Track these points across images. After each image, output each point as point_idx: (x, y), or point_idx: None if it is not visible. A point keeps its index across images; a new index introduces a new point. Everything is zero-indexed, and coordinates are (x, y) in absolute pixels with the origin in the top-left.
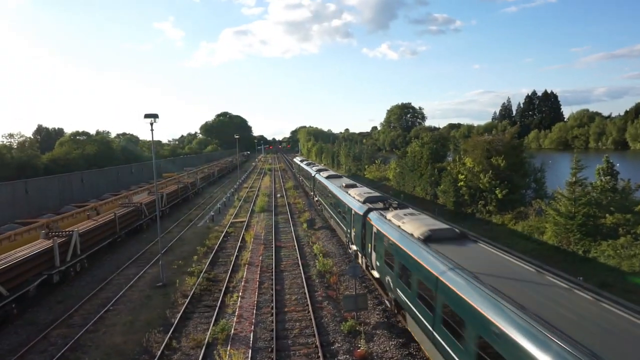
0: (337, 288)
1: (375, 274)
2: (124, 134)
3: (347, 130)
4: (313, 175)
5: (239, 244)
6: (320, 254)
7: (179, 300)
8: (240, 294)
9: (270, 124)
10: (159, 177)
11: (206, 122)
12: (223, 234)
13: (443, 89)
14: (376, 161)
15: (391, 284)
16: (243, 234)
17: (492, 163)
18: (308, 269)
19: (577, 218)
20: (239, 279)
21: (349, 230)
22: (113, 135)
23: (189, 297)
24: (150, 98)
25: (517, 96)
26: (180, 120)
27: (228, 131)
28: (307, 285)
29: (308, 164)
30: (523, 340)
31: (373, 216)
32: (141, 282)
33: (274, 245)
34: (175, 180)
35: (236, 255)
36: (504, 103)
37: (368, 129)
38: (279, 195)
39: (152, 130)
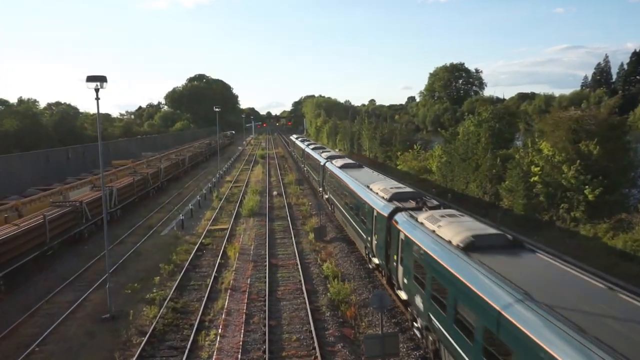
0: (355, 325)
1: (326, 195)
2: (57, 104)
3: (372, 102)
4: (303, 149)
5: (218, 260)
6: (333, 277)
7: (133, 338)
8: (219, 331)
9: (264, 93)
10: (108, 165)
11: (174, 89)
12: (197, 247)
13: (511, 44)
14: (415, 145)
15: (330, 196)
16: (225, 247)
17: (580, 150)
18: (315, 297)
19: None
20: (218, 310)
21: (319, 179)
22: (42, 105)
23: (148, 335)
24: (96, 53)
25: (619, 53)
26: (137, 86)
27: (205, 101)
28: (314, 319)
29: (302, 141)
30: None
31: (327, 164)
32: (81, 313)
33: (267, 264)
34: (131, 170)
35: (214, 277)
36: (599, 63)
37: (402, 101)
38: (275, 192)
39: (97, 99)
